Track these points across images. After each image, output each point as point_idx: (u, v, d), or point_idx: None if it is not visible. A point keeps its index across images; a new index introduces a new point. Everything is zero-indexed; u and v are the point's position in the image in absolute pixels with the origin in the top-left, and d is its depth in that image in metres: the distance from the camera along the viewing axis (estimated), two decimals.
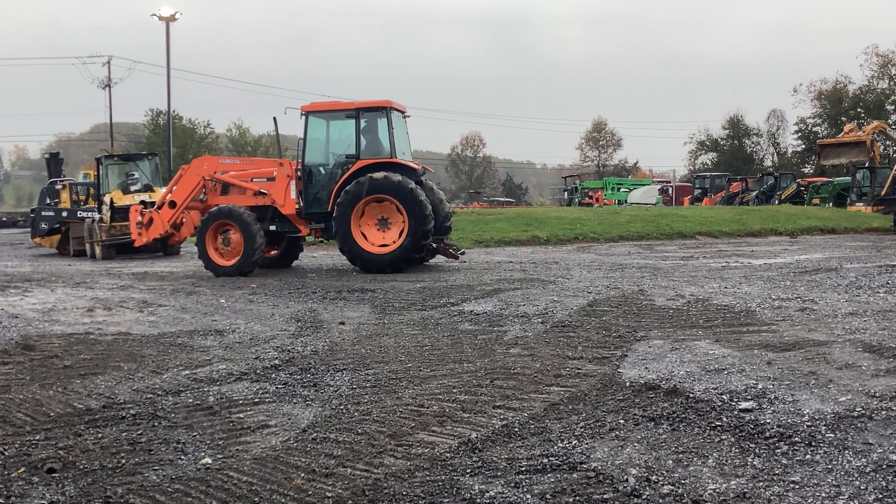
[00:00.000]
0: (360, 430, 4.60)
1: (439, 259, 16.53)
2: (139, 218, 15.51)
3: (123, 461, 4.18)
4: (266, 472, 4.00)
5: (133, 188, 21.21)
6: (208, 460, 4.19)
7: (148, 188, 21.36)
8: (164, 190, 23.19)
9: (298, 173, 14.84)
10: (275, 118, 15.86)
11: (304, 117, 14.92)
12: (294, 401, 5.36)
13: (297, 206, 14.93)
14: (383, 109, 14.81)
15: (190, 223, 15.47)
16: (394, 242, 14.30)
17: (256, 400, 5.38)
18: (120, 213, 20.05)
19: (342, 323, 8.53)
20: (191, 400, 5.39)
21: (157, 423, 4.86)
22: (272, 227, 15.01)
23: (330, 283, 12.57)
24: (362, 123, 14.75)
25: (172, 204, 15.38)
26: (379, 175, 14.14)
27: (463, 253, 16.33)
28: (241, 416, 5.02)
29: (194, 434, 4.65)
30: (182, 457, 4.26)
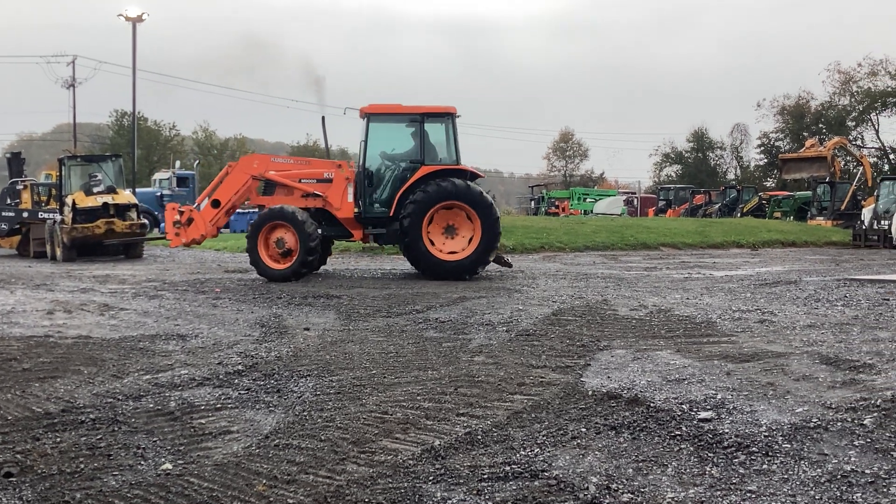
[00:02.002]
0: (323, 437, 4.59)
1: (406, 265, 16.53)
2: (176, 217, 14.50)
3: (82, 466, 4.14)
4: (227, 478, 3.98)
5: (96, 189, 20.92)
6: (169, 466, 4.16)
7: (111, 190, 21.08)
8: (127, 192, 23.01)
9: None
10: (322, 118, 15.65)
11: (364, 119, 14.61)
12: (257, 407, 5.34)
13: (355, 210, 14.59)
14: (448, 115, 14.77)
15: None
16: (463, 250, 14.21)
17: (218, 405, 5.34)
18: (82, 214, 19.80)
19: (307, 329, 8.50)
20: (152, 405, 5.34)
21: (116, 428, 4.81)
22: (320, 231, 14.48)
23: (295, 288, 12.52)
24: (427, 129, 14.61)
25: (216, 203, 14.56)
26: (453, 182, 14.07)
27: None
28: (203, 421, 4.98)
29: (155, 439, 4.61)
30: (142, 462, 4.23)
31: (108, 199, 20.29)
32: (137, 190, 36.37)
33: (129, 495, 3.76)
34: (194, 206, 14.87)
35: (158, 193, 40.09)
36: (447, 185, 14.02)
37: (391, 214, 14.35)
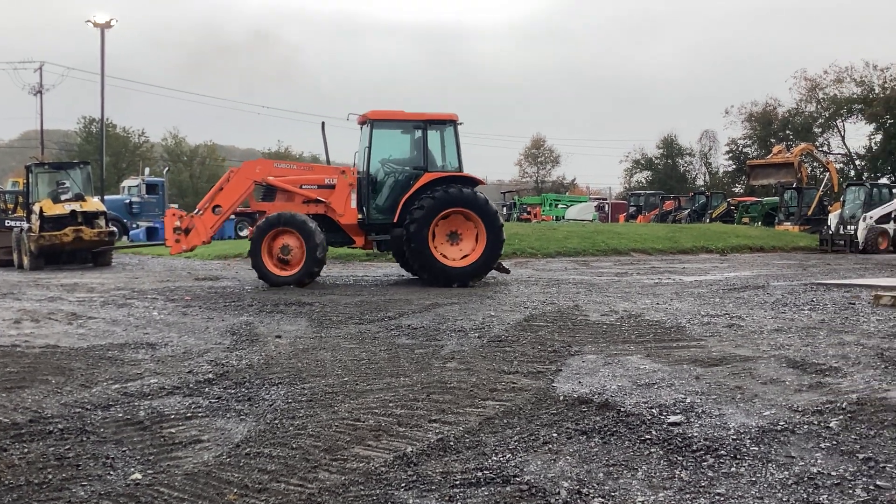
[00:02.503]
0: (294, 445, 4.58)
1: (378, 272, 16.53)
2: (176, 223, 14.18)
3: (50, 476, 4.09)
4: (198, 487, 3.95)
5: (64, 197, 20.67)
6: (138, 476, 4.13)
7: (79, 197, 20.83)
8: (96, 199, 22.75)
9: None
10: (322, 123, 15.52)
11: (367, 125, 14.56)
12: (228, 415, 5.31)
13: (359, 217, 14.52)
14: (450, 122, 14.84)
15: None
16: (466, 257, 14.29)
17: (189, 414, 5.31)
18: (50, 222, 19.56)
19: (278, 336, 8.46)
20: (121, 414, 5.29)
21: (85, 438, 4.76)
22: None
23: (266, 295, 12.46)
24: (429, 135, 14.64)
25: (217, 209, 14.33)
26: (460, 189, 14.16)
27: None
28: (173, 430, 4.95)
29: (124, 449, 4.57)
30: (111, 472, 4.19)
31: (76, 206, 20.05)
32: (106, 197, 36.00)
33: None
34: (194, 211, 14.55)
35: (127, 201, 39.72)
36: (455, 191, 14.13)
37: (395, 221, 14.31)
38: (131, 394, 5.85)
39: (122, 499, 3.81)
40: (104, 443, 4.69)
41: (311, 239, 13.72)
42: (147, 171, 45.01)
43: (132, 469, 4.24)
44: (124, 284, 14.69)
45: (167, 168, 57.38)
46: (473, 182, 14.81)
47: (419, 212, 13.91)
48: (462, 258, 14.30)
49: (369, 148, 14.50)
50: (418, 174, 14.41)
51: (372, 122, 14.52)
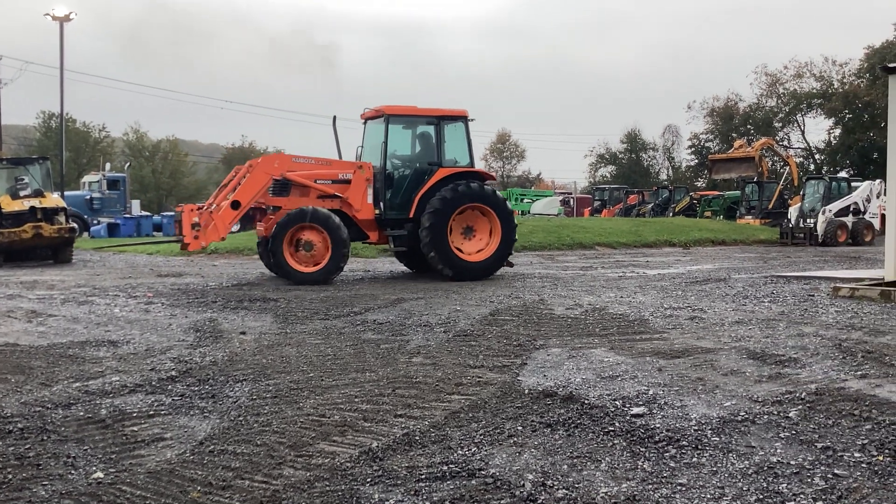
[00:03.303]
0: (259, 442, 4.56)
1: (344, 267, 16.45)
2: (195, 219, 13.56)
3: (10, 476, 4.02)
4: (161, 485, 3.92)
5: (23, 193, 20.28)
6: (100, 475, 4.08)
7: (38, 193, 20.46)
8: (56, 195, 22.38)
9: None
10: (334, 117, 15.40)
11: (379, 120, 14.53)
12: (191, 413, 5.26)
13: (376, 212, 14.47)
14: (462, 118, 14.96)
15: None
16: (480, 251, 14.54)
17: (151, 412, 5.25)
18: (9, 218, 19.21)
19: (243, 333, 8.40)
20: (82, 413, 5.22)
21: (46, 437, 4.69)
22: None
23: (231, 292, 12.36)
24: (442, 131, 14.70)
25: (236, 204, 13.76)
26: (480, 185, 14.40)
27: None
28: (136, 429, 4.89)
29: (85, 448, 4.51)
30: (72, 471, 4.13)
31: (36, 202, 19.70)
32: (66, 193, 35.45)
33: None
34: (212, 206, 14.07)
35: (88, 197, 39.13)
36: (476, 187, 14.35)
37: (410, 216, 14.34)
38: (93, 392, 5.77)
39: (84, 498, 3.76)
40: (65, 442, 4.62)
41: (337, 234, 13.69)
42: (108, 166, 44.30)
43: (94, 468, 4.19)
44: (85, 281, 14.48)
45: (128, 163, 56.59)
46: (485, 177, 15.06)
47: (438, 207, 13.99)
48: (476, 252, 14.54)
49: (385, 143, 14.49)
50: (432, 170, 14.49)
51: (388, 116, 14.51)
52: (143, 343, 7.88)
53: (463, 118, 14.99)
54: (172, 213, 42.05)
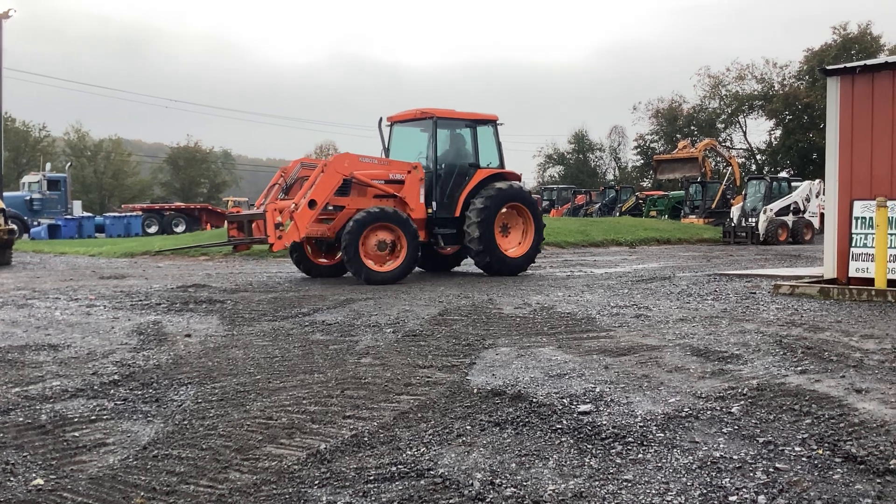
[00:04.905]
0: (204, 446, 4.49)
1: (292, 268, 16.33)
2: (278, 219, 13.44)
3: None
4: (103, 491, 3.84)
5: None
6: (40, 481, 3.98)
7: None
8: None
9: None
10: (381, 118, 15.66)
11: (433, 123, 14.99)
12: (134, 417, 5.16)
13: (429, 211, 14.79)
14: (493, 122, 15.68)
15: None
16: (515, 248, 15.41)
17: (93, 417, 5.14)
18: None
19: (188, 335, 8.27)
20: (21, 419, 5.08)
21: None
22: None
23: (176, 294, 12.16)
24: (477, 134, 15.41)
25: (312, 203, 13.64)
26: (520, 185, 15.43)
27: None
28: (77, 434, 4.78)
29: (25, 454, 4.40)
30: (11, 478, 4.02)
31: None
32: (5, 194, 34.56)
33: None
34: (292, 206, 13.74)
35: (28, 197, 38.22)
36: (517, 187, 15.35)
37: (456, 214, 14.95)
38: (32, 397, 5.63)
39: None
40: (3, 448, 4.49)
41: (412, 234, 13.91)
42: (48, 166, 43.30)
43: (34, 475, 4.08)
44: (25, 284, 14.12)
45: (70, 163, 55.33)
46: (516, 178, 15.83)
47: (487, 205, 14.67)
48: (512, 249, 15.38)
49: (435, 144, 15.09)
50: (472, 171, 15.17)
51: (436, 119, 15.07)
52: (85, 347, 7.70)
53: (493, 122, 15.74)
54: (116, 215, 41.26)
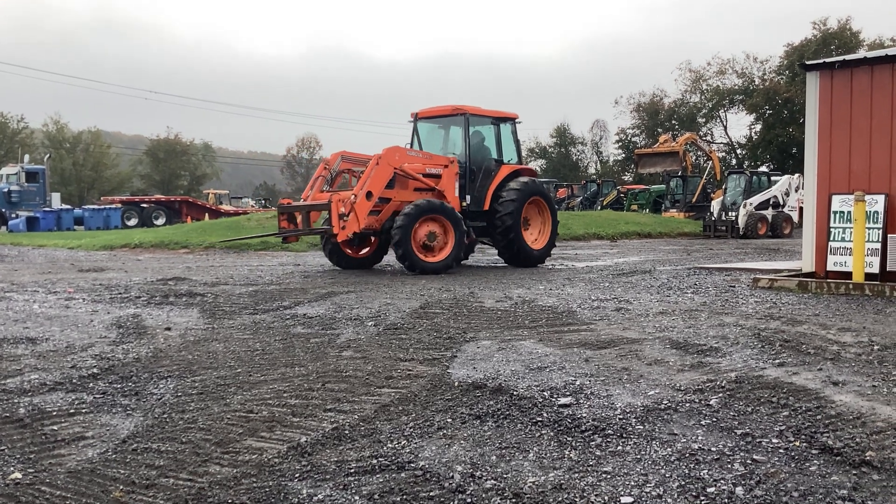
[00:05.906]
0: (184, 439, 4.47)
1: (274, 261, 16.27)
2: (342, 209, 13.66)
3: None
4: (82, 485, 3.82)
5: None
6: (18, 475, 3.95)
7: None
8: None
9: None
10: (414, 114, 16.20)
11: (465, 119, 15.63)
12: (113, 411, 5.13)
13: (464, 204, 15.27)
14: (512, 120, 16.44)
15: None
16: (536, 240, 16.13)
17: (72, 411, 5.11)
18: None
19: (168, 328, 8.23)
20: None
21: None
22: None
23: (155, 287, 12.09)
24: (500, 130, 16.01)
25: (369, 195, 14.01)
26: (541, 181, 16.24)
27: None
28: (55, 428, 4.75)
29: (3, 448, 4.36)
30: None
31: None
32: None
33: None
34: (352, 198, 13.97)
35: (6, 190, 37.85)
36: (539, 182, 16.07)
37: (485, 208, 15.53)
38: (10, 391, 5.58)
39: (1, 499, 3.64)
40: None
41: (459, 226, 14.38)
42: (27, 158, 42.90)
43: (12, 468, 4.05)
44: (2, 277, 13.99)
45: (48, 155, 54.84)
46: (534, 174, 16.72)
47: (515, 198, 15.35)
48: (533, 242, 16.01)
49: (468, 139, 15.60)
50: (497, 166, 15.80)
51: (468, 116, 15.60)
52: (64, 340, 7.65)
53: (513, 120, 16.35)
54: (95, 207, 40.91)
